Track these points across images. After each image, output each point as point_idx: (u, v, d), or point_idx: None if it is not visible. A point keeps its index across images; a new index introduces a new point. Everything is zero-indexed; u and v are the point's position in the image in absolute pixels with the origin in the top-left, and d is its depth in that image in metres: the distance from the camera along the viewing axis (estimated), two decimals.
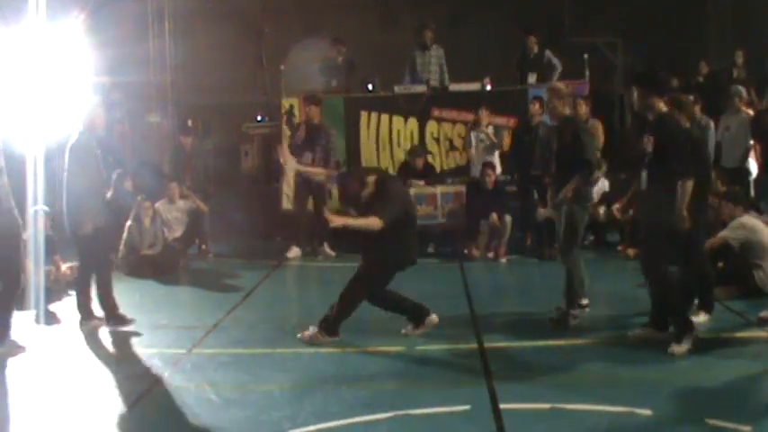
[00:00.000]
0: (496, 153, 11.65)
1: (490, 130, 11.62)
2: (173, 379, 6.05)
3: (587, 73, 12.33)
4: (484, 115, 11.57)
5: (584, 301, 7.56)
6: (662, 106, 6.52)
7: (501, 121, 12.19)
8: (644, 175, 6.56)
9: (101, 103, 7.71)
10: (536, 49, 12.72)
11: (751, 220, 8.31)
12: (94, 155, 7.39)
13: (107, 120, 7.88)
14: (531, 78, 12.52)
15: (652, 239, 6.52)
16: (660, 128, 6.45)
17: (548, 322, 7.38)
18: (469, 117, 12.03)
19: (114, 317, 7.57)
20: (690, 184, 6.31)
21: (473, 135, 11.67)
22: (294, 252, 11.23)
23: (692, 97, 8.77)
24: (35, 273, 7.92)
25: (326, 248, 11.29)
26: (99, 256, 7.61)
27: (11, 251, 6.77)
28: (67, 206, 7.43)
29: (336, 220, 6.72)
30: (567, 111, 7.70)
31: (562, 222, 7.41)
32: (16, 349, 6.80)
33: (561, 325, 7.29)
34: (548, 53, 12.72)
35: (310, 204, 11.32)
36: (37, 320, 7.74)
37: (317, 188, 11.05)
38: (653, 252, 6.53)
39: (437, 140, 12.49)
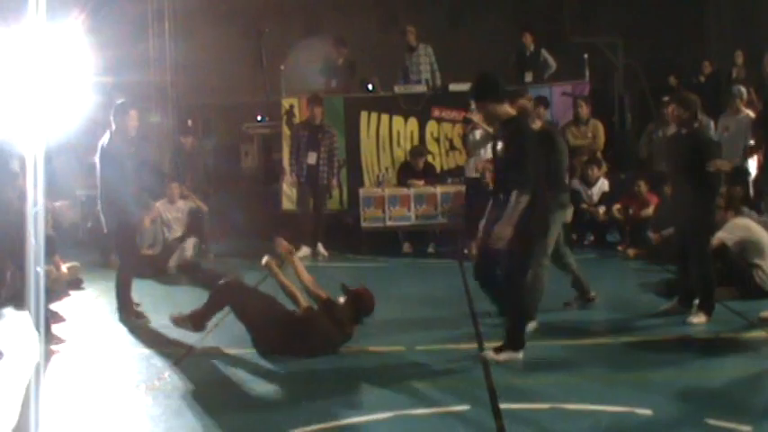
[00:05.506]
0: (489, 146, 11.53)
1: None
2: (173, 379, 6.06)
3: (587, 73, 12.32)
4: (475, 115, 11.48)
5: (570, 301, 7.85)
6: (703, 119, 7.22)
7: None
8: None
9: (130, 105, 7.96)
10: (532, 48, 12.72)
11: (744, 220, 8.31)
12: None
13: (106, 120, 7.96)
14: (528, 77, 12.51)
15: (696, 225, 7.15)
16: (689, 141, 7.10)
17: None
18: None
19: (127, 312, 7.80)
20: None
21: (470, 136, 11.60)
22: (303, 251, 11.22)
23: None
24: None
25: (321, 248, 11.29)
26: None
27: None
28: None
29: None
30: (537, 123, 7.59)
31: None
32: None
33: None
34: (543, 52, 12.72)
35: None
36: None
37: (318, 190, 11.18)
38: (701, 232, 7.21)
39: (437, 140, 12.48)
